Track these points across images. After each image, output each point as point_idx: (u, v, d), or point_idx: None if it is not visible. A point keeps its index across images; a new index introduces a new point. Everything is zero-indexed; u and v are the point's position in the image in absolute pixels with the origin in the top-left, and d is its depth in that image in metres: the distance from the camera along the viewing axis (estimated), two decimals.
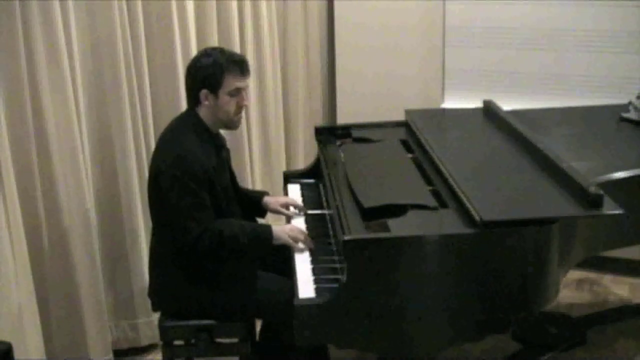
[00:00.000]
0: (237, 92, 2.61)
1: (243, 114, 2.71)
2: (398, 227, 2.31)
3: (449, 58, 4.10)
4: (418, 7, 4.09)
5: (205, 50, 2.69)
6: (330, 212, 2.63)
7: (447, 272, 2.27)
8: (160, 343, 2.74)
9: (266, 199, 2.93)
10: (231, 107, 2.62)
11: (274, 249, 2.80)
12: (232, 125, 2.69)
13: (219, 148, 2.71)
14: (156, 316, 2.80)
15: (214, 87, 2.58)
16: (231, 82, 2.59)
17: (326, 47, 4.41)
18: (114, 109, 3.10)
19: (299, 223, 2.83)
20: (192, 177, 2.50)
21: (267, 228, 2.63)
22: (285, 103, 4.20)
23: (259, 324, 2.94)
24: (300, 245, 2.62)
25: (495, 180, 2.67)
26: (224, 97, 2.59)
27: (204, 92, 2.59)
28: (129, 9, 3.12)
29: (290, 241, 2.61)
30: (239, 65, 2.61)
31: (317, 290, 2.36)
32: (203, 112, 2.64)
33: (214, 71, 2.57)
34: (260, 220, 3.02)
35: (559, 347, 3.26)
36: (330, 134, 3.32)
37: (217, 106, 2.61)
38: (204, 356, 2.67)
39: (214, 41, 3.49)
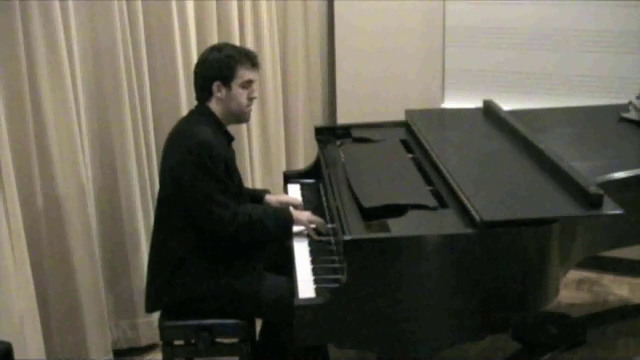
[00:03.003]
0: (249, 84, 2.66)
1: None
2: (398, 227, 2.31)
3: (449, 58, 4.10)
4: (418, 7, 4.09)
5: (216, 46, 2.75)
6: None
7: (447, 272, 2.27)
8: (160, 343, 2.74)
9: (267, 197, 2.94)
10: (243, 98, 2.66)
11: (275, 249, 2.80)
12: (243, 117, 2.73)
13: (230, 142, 2.73)
14: (156, 316, 2.80)
15: (227, 79, 2.62)
16: (243, 74, 2.64)
17: (326, 47, 4.40)
18: (114, 109, 3.10)
19: None
20: (215, 163, 2.53)
21: (287, 211, 2.70)
22: (285, 103, 4.20)
23: (259, 324, 2.94)
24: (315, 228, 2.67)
25: (495, 180, 2.67)
26: (236, 88, 2.64)
27: (216, 84, 2.62)
28: (129, 9, 3.12)
29: (308, 224, 2.67)
30: (250, 57, 2.67)
31: (317, 290, 2.36)
32: (214, 105, 2.66)
33: (228, 62, 2.62)
34: None
35: (559, 347, 3.26)
36: (330, 134, 3.32)
37: (230, 98, 2.64)
38: (204, 356, 2.67)
39: (214, 41, 3.47)
